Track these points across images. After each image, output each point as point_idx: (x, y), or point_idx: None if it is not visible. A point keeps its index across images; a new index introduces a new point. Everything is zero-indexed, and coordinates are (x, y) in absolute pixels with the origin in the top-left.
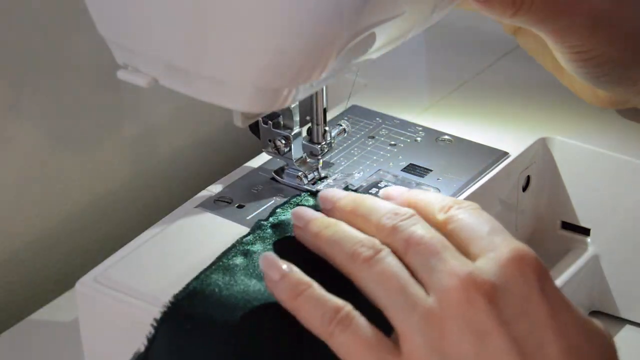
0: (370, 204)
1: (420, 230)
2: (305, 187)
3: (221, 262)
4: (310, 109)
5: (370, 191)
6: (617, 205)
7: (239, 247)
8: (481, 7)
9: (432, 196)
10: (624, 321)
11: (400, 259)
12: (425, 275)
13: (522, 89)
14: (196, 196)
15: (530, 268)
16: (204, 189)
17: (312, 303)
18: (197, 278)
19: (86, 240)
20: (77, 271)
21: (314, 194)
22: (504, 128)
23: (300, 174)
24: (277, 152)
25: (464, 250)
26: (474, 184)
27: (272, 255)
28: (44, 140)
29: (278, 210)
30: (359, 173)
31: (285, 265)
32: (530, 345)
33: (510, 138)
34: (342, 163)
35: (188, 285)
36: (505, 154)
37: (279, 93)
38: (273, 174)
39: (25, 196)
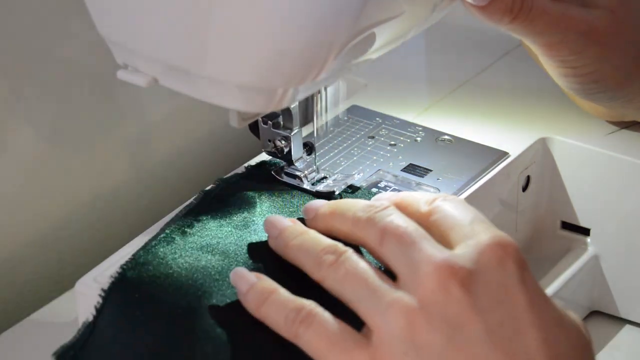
0: (347, 202)
1: (396, 220)
2: (305, 187)
3: (166, 233)
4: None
5: (370, 191)
6: (617, 205)
7: (185, 218)
8: (479, 13)
9: (419, 194)
10: (624, 321)
11: (376, 252)
12: (400, 265)
13: (522, 89)
14: (196, 196)
15: (509, 257)
16: (203, 188)
17: (276, 306)
18: (144, 248)
19: (86, 240)
20: (77, 271)
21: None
22: (504, 128)
23: (299, 173)
24: (277, 152)
25: (445, 240)
26: (474, 184)
27: (241, 269)
28: (43, 140)
29: (222, 184)
30: (359, 173)
31: (253, 277)
32: (505, 336)
33: (510, 138)
34: (342, 163)
35: (135, 255)
36: (505, 154)
37: (279, 93)
38: (273, 173)
39: (25, 196)
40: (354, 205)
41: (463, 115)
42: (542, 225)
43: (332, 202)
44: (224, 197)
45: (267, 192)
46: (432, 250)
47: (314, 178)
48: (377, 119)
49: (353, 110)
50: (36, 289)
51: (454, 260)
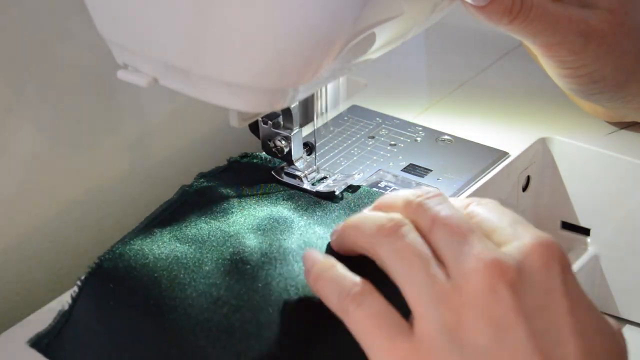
0: (395, 192)
1: (447, 209)
2: (305, 187)
3: (145, 225)
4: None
5: (371, 190)
6: (617, 205)
7: (164, 212)
8: (478, 13)
9: (451, 199)
10: (624, 321)
11: (424, 236)
12: (449, 256)
13: (522, 89)
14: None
15: (554, 258)
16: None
17: (332, 281)
18: (122, 241)
19: (86, 240)
20: (76, 271)
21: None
22: (504, 128)
23: (299, 173)
24: (277, 152)
25: (487, 236)
26: (474, 184)
27: (314, 250)
28: (43, 140)
29: (202, 179)
30: (359, 173)
31: (320, 256)
32: (548, 342)
33: (510, 138)
34: (342, 163)
35: (113, 246)
36: (505, 154)
37: (279, 93)
38: (273, 173)
39: (24, 196)
40: (404, 193)
41: (463, 115)
42: (542, 225)
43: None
44: (205, 191)
45: (247, 185)
46: (482, 247)
47: (314, 178)
48: (377, 119)
49: (353, 110)
50: (36, 289)
51: (503, 259)
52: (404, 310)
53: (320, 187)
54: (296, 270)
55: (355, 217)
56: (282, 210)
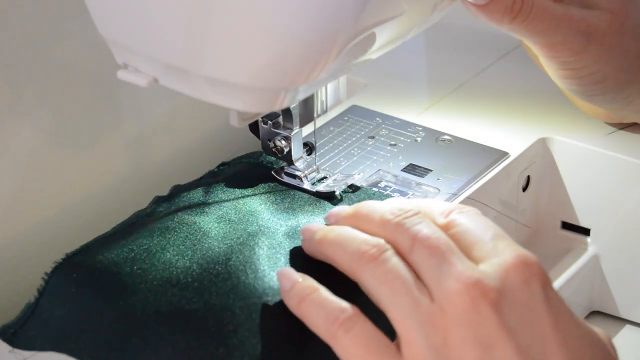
0: (372, 204)
1: (426, 229)
2: (305, 187)
3: (116, 230)
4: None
5: (371, 190)
6: (617, 205)
7: (135, 217)
8: (479, 13)
9: (432, 202)
10: (624, 321)
11: (404, 257)
12: (430, 277)
13: (522, 89)
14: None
15: (534, 275)
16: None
17: (317, 305)
18: (92, 240)
19: (86, 240)
20: None
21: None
22: (504, 128)
23: (300, 173)
24: (277, 152)
25: (467, 254)
26: (474, 184)
27: (288, 268)
28: (43, 140)
29: (179, 191)
30: (359, 173)
31: (299, 276)
32: (534, 357)
33: (510, 138)
34: (342, 163)
35: (82, 246)
36: (505, 154)
37: (279, 93)
38: (273, 173)
39: (25, 196)
40: (379, 207)
41: (463, 115)
42: (542, 225)
43: (354, 205)
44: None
45: (248, 184)
46: (462, 267)
47: (314, 178)
48: (377, 119)
49: (353, 110)
50: (36, 288)
51: (483, 279)
52: (388, 328)
53: (320, 187)
54: (259, 254)
55: (336, 233)
56: (260, 205)
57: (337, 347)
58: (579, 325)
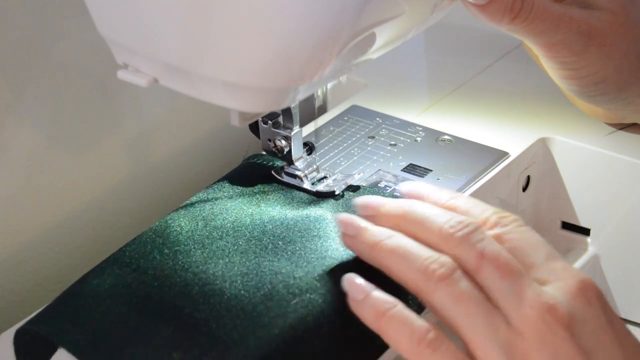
0: (423, 208)
1: (492, 246)
2: (305, 186)
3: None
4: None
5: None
6: (617, 205)
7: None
8: (479, 13)
9: (469, 204)
10: (624, 321)
11: (470, 274)
12: (504, 301)
13: (522, 89)
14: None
15: (595, 299)
16: (203, 189)
17: (399, 323)
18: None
19: (86, 240)
20: (77, 271)
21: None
22: (504, 128)
23: (300, 173)
24: (277, 151)
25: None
26: (474, 184)
27: (354, 275)
28: (43, 140)
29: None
30: (358, 173)
31: (369, 286)
32: None
33: (510, 138)
34: (342, 163)
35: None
36: (505, 154)
37: (279, 93)
38: (273, 172)
39: (25, 196)
40: (434, 216)
41: (463, 115)
42: (542, 225)
43: (397, 202)
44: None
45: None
46: (535, 292)
47: (314, 178)
48: (377, 119)
49: (353, 110)
50: (36, 289)
51: (557, 305)
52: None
53: (320, 187)
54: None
55: (395, 244)
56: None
57: None
58: (636, 343)
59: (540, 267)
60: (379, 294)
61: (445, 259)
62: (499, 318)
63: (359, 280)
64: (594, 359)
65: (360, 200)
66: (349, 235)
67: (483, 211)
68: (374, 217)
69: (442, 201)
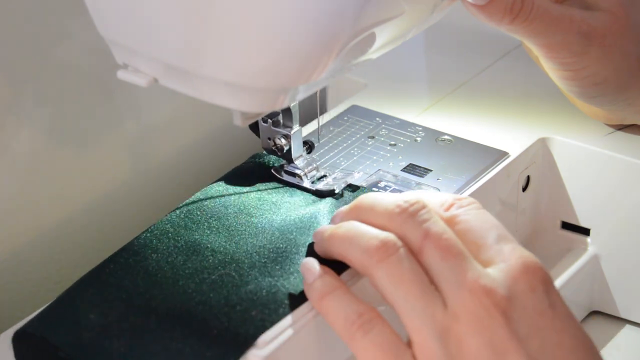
0: (374, 195)
1: (436, 226)
2: (305, 185)
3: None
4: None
5: (372, 189)
6: (617, 205)
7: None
8: (479, 13)
9: (431, 193)
10: (624, 321)
11: (414, 254)
12: (443, 282)
13: (522, 89)
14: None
15: (539, 281)
16: (201, 189)
17: (338, 304)
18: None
19: (86, 240)
20: (77, 271)
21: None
22: (504, 128)
23: (299, 172)
24: (277, 150)
25: (473, 254)
26: (474, 184)
27: (310, 259)
28: (43, 140)
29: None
30: (358, 173)
31: (320, 269)
32: None
33: (510, 138)
34: (342, 163)
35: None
36: (505, 154)
37: (279, 93)
38: (272, 171)
39: (25, 196)
40: (382, 198)
41: (463, 115)
42: (542, 225)
43: (358, 198)
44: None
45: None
46: (475, 274)
47: (314, 176)
48: (377, 119)
49: (353, 110)
50: (36, 289)
51: (495, 288)
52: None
53: (320, 186)
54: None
55: (345, 229)
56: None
57: (355, 348)
58: (580, 328)
59: (489, 249)
60: (325, 277)
61: (388, 236)
62: (437, 301)
63: (313, 264)
64: (528, 345)
65: (335, 212)
66: (317, 242)
67: (441, 196)
68: (340, 220)
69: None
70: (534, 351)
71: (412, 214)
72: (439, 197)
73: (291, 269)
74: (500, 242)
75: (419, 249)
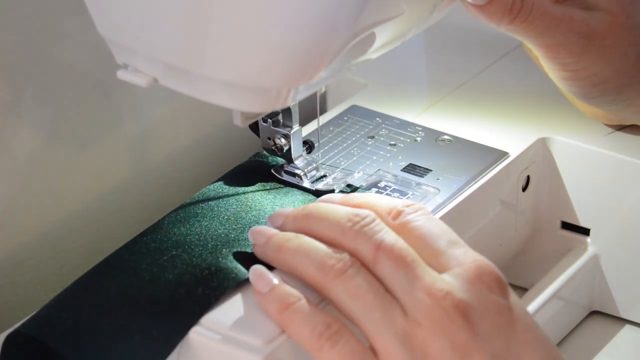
0: (324, 207)
1: (388, 237)
2: (305, 185)
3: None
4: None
5: (369, 191)
6: (617, 205)
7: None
8: (478, 13)
9: (378, 198)
10: (624, 321)
11: (368, 268)
12: (400, 291)
13: (522, 89)
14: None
15: (494, 282)
16: (201, 189)
17: (302, 316)
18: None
19: (86, 240)
20: (77, 271)
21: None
22: (504, 128)
23: (299, 172)
24: (277, 150)
25: (426, 261)
26: (474, 184)
27: (261, 267)
28: (43, 140)
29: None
30: (358, 173)
31: (275, 279)
32: None
33: (510, 138)
34: (342, 163)
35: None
36: (505, 154)
37: (279, 93)
38: (272, 171)
39: (25, 196)
40: (333, 211)
41: (463, 115)
42: (542, 225)
43: (305, 205)
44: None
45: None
46: (431, 279)
47: (314, 176)
48: (377, 119)
49: (353, 110)
50: (36, 289)
51: (453, 292)
52: None
53: (320, 186)
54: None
55: (297, 244)
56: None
57: (322, 358)
58: (539, 327)
59: (442, 255)
60: (283, 287)
61: (341, 254)
62: (396, 309)
63: (265, 272)
64: (492, 345)
65: (272, 213)
66: (258, 245)
67: (388, 203)
68: (283, 225)
69: (350, 201)
70: (498, 350)
71: (363, 227)
72: (388, 203)
73: (243, 251)
74: (452, 247)
75: (373, 261)
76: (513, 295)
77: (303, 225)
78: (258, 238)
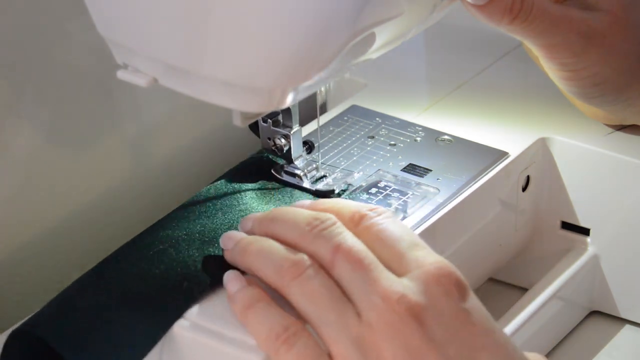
0: (287, 211)
1: (347, 240)
2: (305, 185)
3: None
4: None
5: (369, 191)
6: (617, 205)
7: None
8: (478, 13)
9: (342, 202)
10: (624, 321)
11: (327, 270)
12: (355, 294)
13: (522, 89)
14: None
15: (453, 285)
16: (201, 189)
17: (263, 316)
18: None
19: (86, 240)
20: (77, 271)
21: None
22: (504, 128)
23: (299, 172)
24: (277, 150)
25: (386, 264)
26: (474, 184)
27: (236, 272)
28: (43, 140)
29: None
30: (358, 173)
31: (244, 281)
32: None
33: (510, 138)
34: (342, 163)
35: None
36: (505, 154)
37: (279, 93)
38: (272, 171)
39: (25, 196)
40: (295, 214)
41: (463, 115)
42: (542, 225)
43: (272, 209)
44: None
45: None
46: (387, 282)
47: (314, 177)
48: (377, 119)
49: (353, 110)
50: (36, 289)
51: (408, 295)
52: None
53: (320, 186)
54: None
55: (257, 247)
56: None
57: None
58: (499, 331)
59: (403, 257)
60: (249, 289)
61: (298, 256)
62: (350, 312)
63: (236, 275)
64: (446, 349)
65: (242, 219)
66: (228, 250)
67: (353, 207)
68: (252, 229)
69: (318, 206)
70: (453, 354)
71: (322, 230)
72: (352, 207)
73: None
74: (413, 249)
75: (330, 264)
76: (473, 298)
77: (268, 228)
78: (227, 243)
